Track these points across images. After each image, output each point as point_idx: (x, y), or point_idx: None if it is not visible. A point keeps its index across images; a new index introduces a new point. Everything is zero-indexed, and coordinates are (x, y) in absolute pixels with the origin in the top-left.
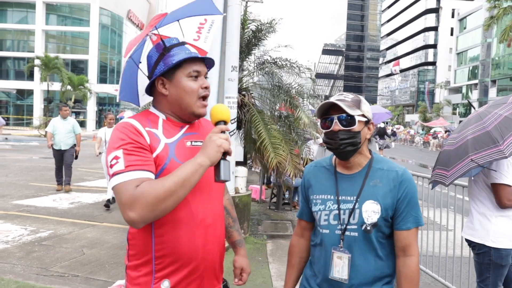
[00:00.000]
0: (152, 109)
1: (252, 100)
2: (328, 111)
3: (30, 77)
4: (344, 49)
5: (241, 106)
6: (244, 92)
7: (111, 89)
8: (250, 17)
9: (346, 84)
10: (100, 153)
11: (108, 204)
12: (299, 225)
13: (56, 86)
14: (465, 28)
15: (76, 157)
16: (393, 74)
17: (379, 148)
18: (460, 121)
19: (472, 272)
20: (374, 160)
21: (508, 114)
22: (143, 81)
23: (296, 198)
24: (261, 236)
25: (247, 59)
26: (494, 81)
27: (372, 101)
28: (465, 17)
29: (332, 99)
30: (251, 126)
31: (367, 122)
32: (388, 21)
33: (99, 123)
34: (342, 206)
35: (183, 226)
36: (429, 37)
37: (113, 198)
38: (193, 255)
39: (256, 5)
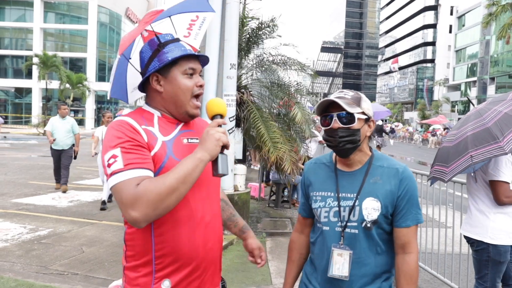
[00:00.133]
0: (146, 107)
1: (251, 97)
2: (328, 108)
3: (29, 75)
4: (342, 47)
5: (240, 104)
6: (243, 90)
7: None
8: (250, 15)
9: (344, 82)
10: (96, 154)
11: (104, 208)
12: (299, 222)
13: (54, 84)
14: (463, 25)
15: (75, 157)
16: (392, 72)
17: (377, 146)
18: (459, 118)
19: (470, 269)
20: (375, 157)
21: (507, 110)
22: (132, 77)
23: (295, 196)
24: (260, 234)
25: (246, 57)
26: (492, 79)
27: (371, 98)
28: (463, 14)
29: (331, 97)
30: (250, 124)
31: (367, 120)
32: (387, 18)
33: (98, 121)
34: (342, 203)
35: (183, 225)
36: (428, 35)
37: (109, 197)
38: (194, 253)
39: (254, 3)
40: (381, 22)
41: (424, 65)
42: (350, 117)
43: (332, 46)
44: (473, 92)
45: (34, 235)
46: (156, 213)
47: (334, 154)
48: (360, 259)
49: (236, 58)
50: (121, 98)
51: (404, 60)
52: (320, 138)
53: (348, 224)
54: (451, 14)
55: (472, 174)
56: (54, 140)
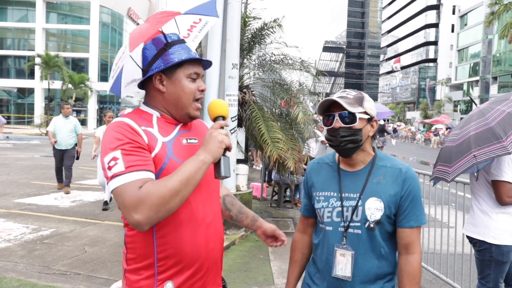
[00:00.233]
0: (144, 107)
1: (253, 97)
2: (330, 108)
3: (31, 75)
4: (344, 46)
5: (242, 103)
6: (245, 90)
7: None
8: (252, 14)
9: (347, 82)
10: (95, 156)
11: (106, 208)
12: (302, 222)
13: (57, 85)
14: (466, 24)
15: (78, 158)
16: (394, 71)
17: (378, 147)
18: (461, 118)
19: (473, 269)
20: (378, 157)
21: (510, 110)
22: (128, 73)
23: (297, 196)
24: None
25: (248, 56)
26: (495, 78)
27: (373, 98)
28: (466, 13)
29: (333, 96)
30: (252, 124)
31: (370, 120)
32: (389, 18)
33: (100, 121)
34: (345, 203)
35: (185, 226)
36: (430, 34)
37: (111, 198)
38: (197, 254)
39: (257, 2)
40: (383, 21)
41: (426, 64)
42: (351, 117)
43: (334, 45)
44: (475, 92)
45: (37, 235)
46: (159, 215)
47: (337, 154)
48: (363, 259)
49: (238, 58)
50: (116, 92)
51: (406, 59)
52: (322, 138)
53: (351, 224)
54: (453, 13)
55: (475, 174)
56: (55, 142)
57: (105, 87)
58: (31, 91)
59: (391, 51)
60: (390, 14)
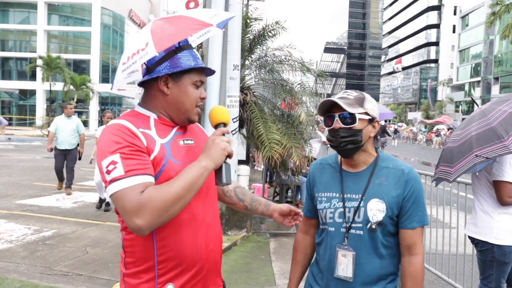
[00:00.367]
0: (140, 109)
1: (254, 98)
2: (331, 109)
3: (33, 77)
4: (346, 47)
5: (243, 105)
6: (246, 91)
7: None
8: (254, 16)
9: (348, 82)
10: (93, 160)
11: (107, 209)
12: (304, 222)
13: (58, 86)
14: (467, 25)
15: (80, 158)
16: (395, 72)
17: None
18: (463, 119)
19: (475, 270)
20: (380, 158)
21: None
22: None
23: (299, 196)
24: (264, 235)
25: (249, 57)
26: (497, 78)
27: (375, 99)
28: (467, 14)
29: (334, 97)
30: (252, 125)
31: (371, 120)
32: (390, 18)
33: (102, 123)
34: (347, 204)
35: (186, 227)
36: (431, 35)
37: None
38: (197, 256)
39: (257, 3)
40: (384, 22)
41: (428, 65)
42: (351, 118)
43: (335, 46)
44: (477, 92)
45: (39, 236)
46: (160, 220)
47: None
48: (365, 260)
49: (239, 59)
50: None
51: (407, 60)
52: (323, 138)
53: (353, 225)
54: (455, 14)
55: (476, 174)
56: (51, 148)
57: (107, 89)
58: (32, 92)
59: (392, 52)
60: (391, 15)
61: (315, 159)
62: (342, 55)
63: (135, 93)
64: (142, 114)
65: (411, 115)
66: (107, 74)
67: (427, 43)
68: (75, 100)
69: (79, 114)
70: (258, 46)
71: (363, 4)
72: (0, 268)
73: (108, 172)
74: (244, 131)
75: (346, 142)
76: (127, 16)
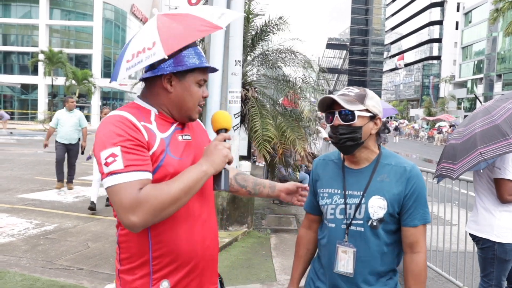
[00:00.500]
0: (141, 102)
1: (255, 94)
2: (332, 105)
3: (35, 71)
4: (348, 43)
5: (244, 100)
6: (247, 87)
7: (115, 84)
8: (255, 11)
9: (350, 79)
10: (90, 156)
11: (109, 204)
12: (307, 218)
13: (60, 81)
14: (470, 22)
15: (83, 153)
16: (398, 69)
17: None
18: (465, 116)
19: (476, 267)
20: (383, 155)
21: None
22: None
23: None
24: (264, 230)
25: (251, 53)
26: (499, 76)
27: (377, 95)
28: (470, 10)
29: (334, 94)
30: (251, 121)
31: (372, 117)
32: (393, 15)
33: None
34: (349, 200)
35: (181, 223)
36: (434, 31)
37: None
38: (193, 252)
39: None
40: (387, 18)
41: (430, 62)
42: (350, 115)
43: (337, 42)
44: (479, 89)
45: (40, 230)
46: (155, 220)
47: None
48: (366, 257)
49: (241, 54)
50: (114, 77)
51: (410, 57)
52: (324, 135)
53: (354, 222)
54: (458, 10)
55: (481, 171)
56: (46, 145)
57: (108, 83)
58: (34, 87)
59: (394, 48)
60: (394, 11)
61: (315, 155)
62: (345, 51)
63: (137, 88)
64: (143, 107)
65: (413, 112)
66: (109, 69)
67: (430, 39)
68: (77, 94)
69: (81, 108)
70: (260, 42)
71: (365, 0)
72: (1, 262)
73: (107, 164)
74: (245, 126)
75: (345, 139)
76: (129, 11)
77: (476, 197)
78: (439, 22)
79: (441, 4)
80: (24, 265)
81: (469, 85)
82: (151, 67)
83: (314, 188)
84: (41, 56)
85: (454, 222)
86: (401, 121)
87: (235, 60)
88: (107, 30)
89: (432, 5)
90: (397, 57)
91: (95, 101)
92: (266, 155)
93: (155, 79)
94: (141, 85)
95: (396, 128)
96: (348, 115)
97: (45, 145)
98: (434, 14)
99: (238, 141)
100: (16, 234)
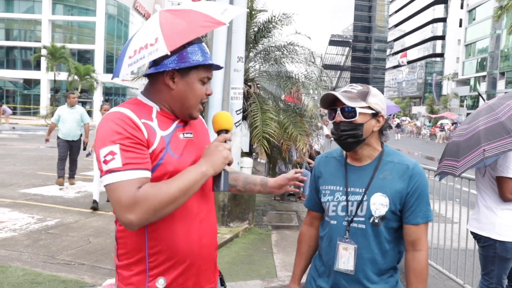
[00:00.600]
0: (143, 99)
1: (258, 90)
2: (335, 102)
3: (37, 66)
4: (351, 40)
5: (247, 97)
6: (250, 83)
7: (118, 79)
8: (258, 7)
9: (352, 76)
10: (90, 152)
11: (95, 207)
12: (309, 215)
13: (63, 76)
14: (474, 19)
15: (85, 148)
16: (400, 66)
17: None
18: (468, 114)
19: (476, 265)
20: (385, 153)
21: None
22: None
23: (301, 189)
24: (266, 227)
25: (254, 49)
26: (503, 73)
27: None
28: (474, 8)
29: (337, 91)
30: (252, 117)
31: (375, 115)
32: (396, 12)
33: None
34: (351, 197)
35: (178, 221)
36: (438, 29)
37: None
38: (189, 250)
39: None
40: (390, 15)
41: (433, 59)
42: (352, 112)
43: (340, 39)
44: (482, 87)
45: (42, 225)
46: (152, 219)
47: None
48: (367, 254)
49: (243, 51)
50: (116, 73)
51: (413, 54)
52: (326, 131)
53: (355, 219)
54: (462, 7)
55: (485, 167)
56: (48, 140)
57: (111, 79)
58: (37, 82)
59: (398, 46)
60: (397, 8)
61: (318, 152)
62: (347, 48)
63: (139, 84)
64: (145, 104)
65: (415, 109)
66: (111, 65)
67: (433, 37)
68: (79, 90)
69: (83, 104)
70: (263, 38)
71: None
72: (3, 256)
73: (106, 162)
74: (247, 123)
75: (346, 136)
76: (132, 6)
77: (478, 195)
78: (443, 20)
79: (445, 1)
80: (26, 259)
81: (472, 83)
82: (154, 63)
83: (316, 185)
84: (43, 51)
85: (455, 220)
86: (403, 118)
87: (238, 56)
88: (109, 26)
89: (435, 2)
90: (400, 54)
91: (98, 96)
92: (265, 149)
93: (157, 75)
94: (143, 80)
95: (398, 125)
96: (350, 112)
97: (47, 140)
98: (437, 11)
99: (240, 138)
100: (18, 228)
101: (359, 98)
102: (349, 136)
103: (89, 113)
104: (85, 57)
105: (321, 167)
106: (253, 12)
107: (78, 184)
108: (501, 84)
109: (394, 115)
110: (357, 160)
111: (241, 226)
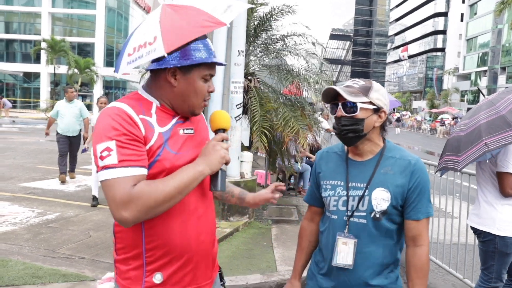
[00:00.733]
0: (144, 93)
1: (258, 84)
2: (337, 97)
3: (37, 60)
4: (352, 34)
5: (247, 91)
6: (250, 77)
7: (118, 73)
8: (259, 1)
9: (353, 70)
10: (87, 148)
11: (95, 204)
12: (309, 210)
13: (63, 69)
14: (475, 13)
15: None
16: (401, 60)
17: None
18: (468, 109)
19: (476, 260)
20: (387, 148)
21: None
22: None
23: (301, 184)
24: (265, 221)
25: (254, 43)
26: (503, 68)
27: None
28: (476, 2)
29: (338, 85)
30: (251, 112)
31: (377, 110)
32: (397, 6)
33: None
34: (352, 192)
35: (176, 217)
36: (439, 23)
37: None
38: (186, 246)
39: None
40: (391, 9)
41: (434, 53)
42: (353, 107)
43: (341, 33)
44: (483, 82)
45: (42, 219)
46: (146, 216)
47: None
48: (368, 249)
49: (244, 45)
50: (117, 69)
51: (413, 48)
52: (326, 125)
53: (356, 213)
54: (463, 2)
55: (487, 161)
56: (48, 133)
57: (111, 73)
58: (37, 75)
59: (398, 40)
60: (398, 2)
61: (318, 146)
62: (348, 42)
63: (139, 78)
64: (145, 99)
65: (416, 104)
66: (111, 58)
67: (434, 31)
68: (79, 83)
69: (83, 98)
70: (264, 32)
71: None
72: (4, 250)
73: (102, 158)
74: (248, 117)
75: (347, 131)
76: None
77: (478, 190)
78: (444, 14)
79: None
80: (26, 253)
81: (473, 77)
82: (156, 58)
83: (317, 180)
84: (43, 45)
85: (456, 215)
86: (404, 113)
87: (238, 50)
88: (110, 19)
89: None
90: (401, 48)
91: (98, 90)
92: (263, 145)
93: (159, 71)
94: (146, 75)
95: (398, 119)
96: (351, 107)
97: (46, 134)
98: (439, 5)
99: (240, 132)
100: (18, 222)
101: (360, 93)
102: (350, 131)
103: (90, 106)
104: (85, 50)
105: (322, 162)
106: (254, 6)
107: (78, 178)
108: (502, 79)
109: (394, 110)
110: (359, 155)
111: (241, 220)
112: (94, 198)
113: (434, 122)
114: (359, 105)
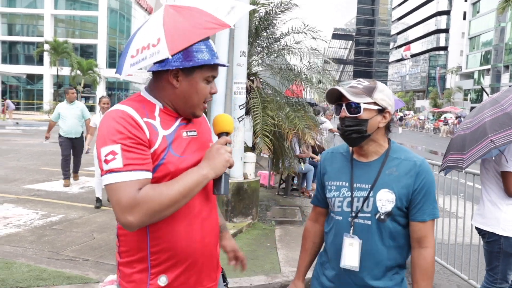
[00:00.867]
0: (147, 95)
1: (260, 84)
2: (341, 97)
3: (40, 61)
4: (354, 34)
5: (249, 91)
6: (252, 78)
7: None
8: (261, 1)
9: (355, 69)
10: (89, 150)
11: (99, 206)
12: (314, 211)
13: (65, 71)
14: (478, 12)
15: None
16: (404, 59)
17: None
18: (472, 107)
19: (481, 260)
20: (392, 149)
21: None
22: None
23: (305, 184)
24: (269, 222)
25: (255, 43)
26: (507, 67)
27: None
28: (478, 0)
29: (342, 86)
30: (253, 113)
31: (381, 111)
32: (400, 5)
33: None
34: (356, 193)
35: (181, 220)
36: (441, 21)
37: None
38: (191, 249)
39: None
40: (393, 8)
41: (437, 52)
42: (356, 107)
43: (343, 33)
44: (486, 81)
45: (46, 221)
46: (151, 220)
47: None
48: (372, 250)
49: (246, 45)
50: (119, 70)
51: (416, 47)
52: (330, 126)
53: (361, 215)
54: (466, 0)
55: (493, 158)
56: (48, 137)
57: (114, 74)
58: (40, 77)
59: (401, 39)
60: (401, 1)
61: (321, 147)
62: (350, 42)
63: (142, 79)
64: (149, 101)
65: (419, 103)
66: (114, 59)
67: (437, 30)
68: (82, 85)
69: (86, 99)
70: (266, 31)
71: None
72: (8, 252)
73: (106, 161)
74: (250, 117)
75: (351, 131)
76: (134, 0)
77: (483, 190)
78: (447, 12)
79: None
80: (31, 255)
81: (476, 76)
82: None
83: (322, 180)
84: (46, 46)
85: (460, 215)
86: (407, 112)
87: (241, 50)
88: (112, 20)
89: None
90: (404, 47)
91: (101, 91)
92: (267, 145)
93: (162, 73)
94: (149, 76)
95: (401, 119)
96: (354, 108)
97: (47, 137)
98: (441, 4)
99: (243, 132)
100: (22, 224)
101: (364, 93)
102: (353, 132)
103: (92, 108)
104: (87, 52)
105: (327, 162)
106: (256, 7)
107: (81, 179)
108: (505, 78)
109: (397, 109)
110: (363, 156)
111: (244, 222)
112: (98, 200)
113: (437, 121)
114: (362, 106)
